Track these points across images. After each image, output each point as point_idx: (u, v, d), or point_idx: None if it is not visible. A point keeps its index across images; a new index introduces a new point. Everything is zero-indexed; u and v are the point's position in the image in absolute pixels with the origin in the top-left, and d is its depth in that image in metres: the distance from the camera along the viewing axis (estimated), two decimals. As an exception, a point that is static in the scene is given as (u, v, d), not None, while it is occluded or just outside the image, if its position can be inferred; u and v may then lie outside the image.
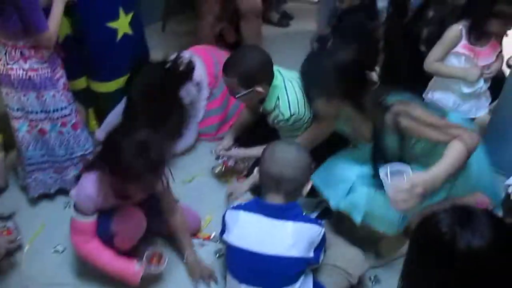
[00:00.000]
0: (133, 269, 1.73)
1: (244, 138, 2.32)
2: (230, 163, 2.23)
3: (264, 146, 1.65)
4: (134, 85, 2.16)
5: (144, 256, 1.75)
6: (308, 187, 1.61)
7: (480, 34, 1.93)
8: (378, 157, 1.68)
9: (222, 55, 2.37)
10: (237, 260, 1.61)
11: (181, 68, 2.26)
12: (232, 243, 1.59)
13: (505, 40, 2.10)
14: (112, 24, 2.21)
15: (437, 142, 1.61)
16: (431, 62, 2.03)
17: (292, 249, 1.52)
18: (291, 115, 1.99)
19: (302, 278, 1.58)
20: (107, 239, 1.75)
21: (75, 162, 2.12)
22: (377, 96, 1.65)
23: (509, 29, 1.94)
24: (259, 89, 1.96)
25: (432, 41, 2.07)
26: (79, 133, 2.09)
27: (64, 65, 2.03)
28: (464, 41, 1.96)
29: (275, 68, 2.04)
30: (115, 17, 2.20)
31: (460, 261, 1.03)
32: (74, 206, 1.69)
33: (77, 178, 1.76)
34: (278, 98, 2.00)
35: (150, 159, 1.54)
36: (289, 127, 2.04)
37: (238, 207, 1.63)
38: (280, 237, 1.53)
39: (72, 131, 2.06)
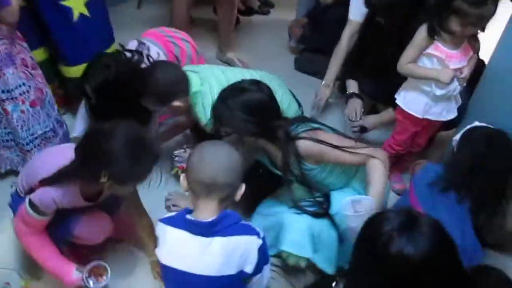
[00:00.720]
0: (70, 276, 1.64)
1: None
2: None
3: None
4: (87, 82, 1.95)
5: (86, 269, 1.65)
6: (241, 191, 1.44)
7: (442, 32, 1.87)
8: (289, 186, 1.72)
9: (179, 35, 2.34)
10: (170, 278, 1.49)
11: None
12: (162, 262, 1.47)
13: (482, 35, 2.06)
14: (65, 2, 2.11)
15: (349, 164, 1.72)
16: (403, 63, 1.99)
17: (224, 268, 1.39)
18: (208, 120, 1.92)
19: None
20: (66, 240, 1.68)
21: (36, 143, 2.04)
22: (286, 128, 1.69)
23: (469, 30, 1.85)
24: (176, 103, 1.96)
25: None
26: (39, 111, 1.99)
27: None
28: (436, 42, 1.92)
29: (193, 72, 2.01)
30: None
31: (391, 265, 1.04)
32: (30, 203, 1.55)
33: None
34: (202, 104, 1.98)
35: (149, 154, 1.48)
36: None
37: (166, 221, 1.47)
38: (209, 256, 1.39)
39: (31, 108, 1.97)
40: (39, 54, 2.24)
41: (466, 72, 1.95)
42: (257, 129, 1.66)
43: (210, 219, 1.39)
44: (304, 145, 1.67)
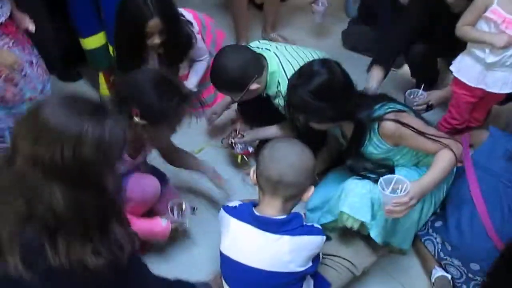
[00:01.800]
0: (160, 224, 1.69)
1: (248, 119, 2.26)
2: (251, 150, 2.15)
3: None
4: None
5: (169, 208, 1.71)
6: (309, 194, 1.43)
7: None
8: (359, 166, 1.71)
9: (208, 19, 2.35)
10: (230, 270, 1.50)
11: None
12: (224, 253, 1.48)
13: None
14: None
15: (425, 151, 1.66)
16: (460, 25, 1.89)
17: (290, 265, 1.41)
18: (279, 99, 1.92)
19: (303, 283, 1.49)
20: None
21: None
22: (369, 107, 1.64)
23: None
24: (253, 87, 1.88)
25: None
26: None
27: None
28: (495, 6, 1.79)
29: (271, 50, 1.96)
30: None
31: None
32: None
33: None
34: (278, 83, 1.91)
35: (176, 92, 1.51)
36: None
37: (231, 211, 1.48)
38: (276, 253, 1.40)
39: None
40: (99, 39, 2.28)
41: None
42: (333, 114, 1.61)
43: (280, 217, 1.40)
44: (388, 126, 1.61)
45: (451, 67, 2.02)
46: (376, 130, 1.62)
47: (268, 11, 2.95)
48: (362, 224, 1.66)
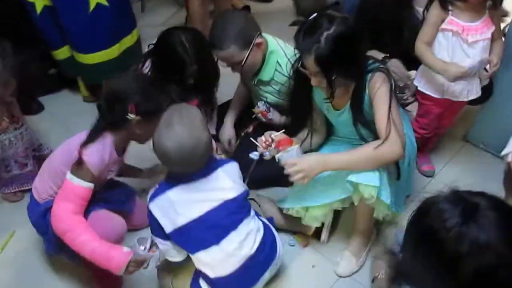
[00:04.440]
0: (121, 249, 1.54)
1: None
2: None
3: None
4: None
5: (136, 240, 1.57)
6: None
7: (454, 1, 1.75)
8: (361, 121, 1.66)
9: None
10: (196, 231, 1.55)
11: None
12: (185, 222, 1.53)
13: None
14: None
15: (375, 123, 1.58)
16: (418, 42, 1.88)
17: (232, 191, 1.57)
18: (273, 77, 1.97)
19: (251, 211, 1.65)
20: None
21: None
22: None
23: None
24: (259, 40, 1.89)
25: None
26: None
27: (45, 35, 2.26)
28: (450, 17, 1.79)
29: (268, 36, 1.99)
30: None
31: (467, 263, 0.93)
32: (72, 171, 1.58)
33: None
34: (278, 63, 1.95)
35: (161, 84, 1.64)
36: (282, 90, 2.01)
37: (159, 192, 1.55)
38: (219, 186, 1.56)
39: None
40: (63, 53, 2.38)
41: (495, 61, 1.83)
42: (358, 66, 1.59)
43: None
44: (377, 76, 1.58)
45: (415, 82, 2.02)
46: (367, 83, 1.60)
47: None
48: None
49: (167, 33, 1.99)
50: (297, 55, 1.64)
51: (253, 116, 2.11)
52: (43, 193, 1.70)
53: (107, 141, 1.62)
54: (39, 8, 2.21)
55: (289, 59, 1.90)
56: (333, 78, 1.55)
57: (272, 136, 1.70)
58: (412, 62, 2.06)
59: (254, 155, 1.71)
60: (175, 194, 1.54)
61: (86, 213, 1.63)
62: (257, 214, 1.72)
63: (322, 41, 1.48)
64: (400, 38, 2.23)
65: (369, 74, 1.60)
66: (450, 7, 1.78)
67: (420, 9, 2.04)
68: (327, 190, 1.72)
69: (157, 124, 1.52)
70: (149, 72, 2.02)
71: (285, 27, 3.04)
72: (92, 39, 2.24)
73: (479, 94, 1.94)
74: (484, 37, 1.81)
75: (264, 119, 2.08)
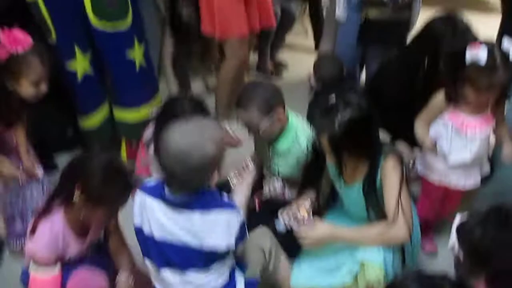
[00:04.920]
0: None
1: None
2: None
3: None
4: None
5: None
6: (213, 179, 1.53)
7: (457, 100, 1.84)
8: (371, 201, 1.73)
9: None
10: (151, 248, 1.60)
11: None
12: (145, 231, 1.58)
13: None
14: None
15: (385, 204, 1.68)
16: (417, 120, 1.99)
17: (203, 241, 1.52)
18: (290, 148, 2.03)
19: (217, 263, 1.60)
20: None
21: None
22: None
23: (484, 97, 1.81)
24: (280, 110, 1.97)
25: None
26: None
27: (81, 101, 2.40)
28: (452, 109, 1.89)
29: (291, 112, 2.08)
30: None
31: None
32: (33, 262, 1.61)
33: (33, 229, 1.64)
34: (296, 134, 2.04)
35: (123, 180, 1.59)
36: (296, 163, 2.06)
37: (144, 190, 1.59)
38: (192, 230, 1.51)
39: None
40: (97, 117, 2.51)
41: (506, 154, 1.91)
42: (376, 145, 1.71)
43: (182, 196, 1.51)
44: (392, 159, 1.68)
45: (416, 164, 2.10)
46: (380, 165, 1.69)
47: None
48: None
49: (172, 101, 2.12)
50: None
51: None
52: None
53: (57, 218, 1.61)
54: (80, 75, 2.38)
55: (307, 136, 2.00)
56: (343, 157, 1.66)
57: (302, 212, 1.80)
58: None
59: (281, 227, 1.80)
60: (153, 205, 1.56)
61: (68, 271, 1.68)
62: (233, 275, 1.69)
63: (336, 124, 1.61)
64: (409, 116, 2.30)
65: (382, 157, 1.70)
66: (453, 102, 1.87)
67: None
68: (335, 269, 1.78)
69: (106, 214, 1.60)
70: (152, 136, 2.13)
71: (297, 100, 3.15)
72: (139, 95, 2.49)
73: (478, 184, 2.00)
74: (484, 133, 1.89)
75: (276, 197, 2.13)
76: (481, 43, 1.78)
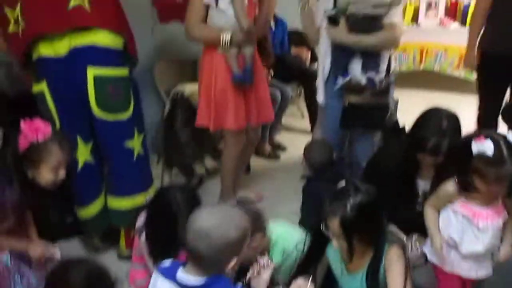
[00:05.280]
0: None
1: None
2: None
3: None
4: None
5: None
6: (231, 264, 1.49)
7: (467, 191, 1.84)
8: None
9: None
10: None
11: None
12: None
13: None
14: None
15: None
16: (427, 206, 1.99)
17: None
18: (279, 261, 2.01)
19: None
20: None
21: None
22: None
23: (495, 189, 1.80)
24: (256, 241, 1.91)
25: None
26: None
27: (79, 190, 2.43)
28: (462, 199, 1.89)
29: (274, 226, 2.05)
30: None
31: None
32: None
33: None
34: (283, 246, 2.03)
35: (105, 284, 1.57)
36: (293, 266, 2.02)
37: (159, 269, 1.58)
38: None
39: None
40: (94, 207, 2.48)
41: (503, 254, 1.91)
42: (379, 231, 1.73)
43: (198, 282, 1.48)
44: (396, 248, 1.72)
45: (424, 249, 2.05)
46: (384, 254, 1.72)
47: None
48: None
49: (164, 190, 2.12)
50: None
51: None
52: None
53: None
54: (81, 163, 2.39)
55: (297, 240, 2.02)
56: (354, 241, 1.68)
57: None
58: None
59: None
60: (164, 285, 1.55)
61: None
62: None
63: (348, 207, 1.65)
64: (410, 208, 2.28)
65: (387, 245, 1.72)
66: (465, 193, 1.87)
67: (421, 182, 2.20)
68: None
69: None
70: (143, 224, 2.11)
71: (289, 184, 3.18)
72: (136, 183, 2.47)
73: (490, 274, 1.96)
74: (496, 225, 1.88)
75: None
76: (485, 136, 1.80)
